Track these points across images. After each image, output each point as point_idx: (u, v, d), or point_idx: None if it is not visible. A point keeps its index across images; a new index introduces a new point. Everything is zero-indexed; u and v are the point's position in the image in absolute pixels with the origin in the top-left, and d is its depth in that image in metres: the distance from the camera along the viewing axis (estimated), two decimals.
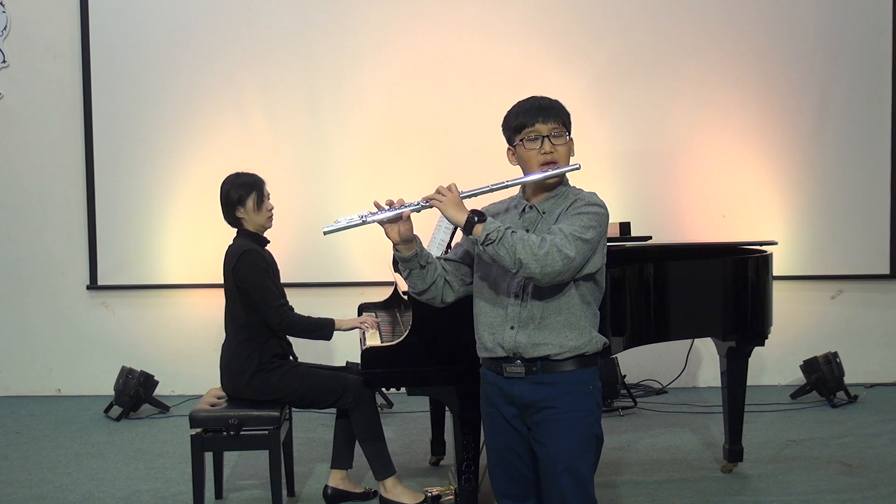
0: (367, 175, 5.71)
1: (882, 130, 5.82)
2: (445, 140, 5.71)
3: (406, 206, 2.47)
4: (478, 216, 2.38)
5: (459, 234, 2.64)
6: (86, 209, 5.80)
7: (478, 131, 5.61)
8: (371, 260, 5.51)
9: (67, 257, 5.85)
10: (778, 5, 5.78)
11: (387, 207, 2.48)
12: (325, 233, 2.53)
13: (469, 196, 2.46)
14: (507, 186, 2.50)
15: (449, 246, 3.82)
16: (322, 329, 3.81)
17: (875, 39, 5.80)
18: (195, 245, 5.71)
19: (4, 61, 5.78)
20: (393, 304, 4.27)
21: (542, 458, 2.50)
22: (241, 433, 3.60)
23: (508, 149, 2.58)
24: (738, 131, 5.80)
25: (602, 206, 2.49)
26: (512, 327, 2.49)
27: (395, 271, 4.35)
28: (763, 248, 4.22)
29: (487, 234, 2.35)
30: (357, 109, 5.75)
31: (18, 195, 5.86)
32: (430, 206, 2.47)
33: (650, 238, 4.03)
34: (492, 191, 2.50)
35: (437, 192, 2.45)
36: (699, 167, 5.81)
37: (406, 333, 3.29)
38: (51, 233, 5.87)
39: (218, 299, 3.98)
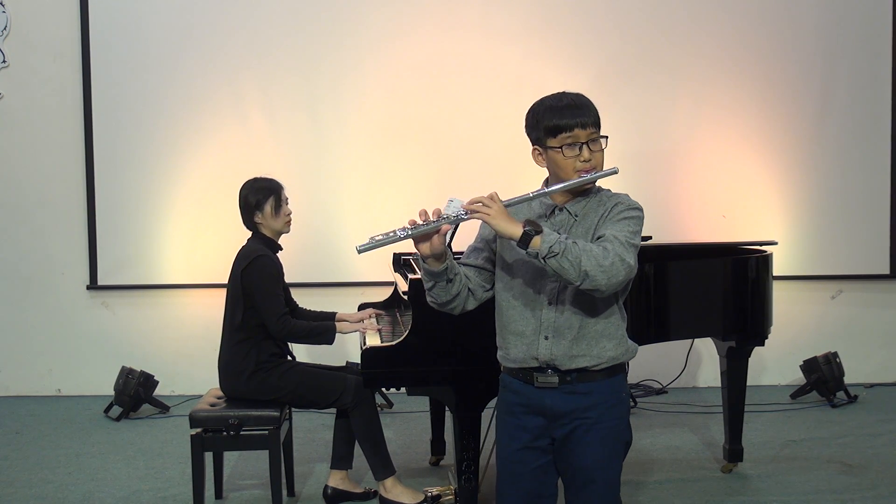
0: (367, 174, 5.71)
1: (882, 130, 5.82)
2: (445, 140, 5.70)
3: (443, 219, 2.27)
4: (534, 228, 2.21)
5: (466, 234, 2.56)
6: (86, 209, 5.80)
7: (478, 131, 5.64)
8: (371, 260, 5.46)
9: (67, 257, 5.85)
10: (778, 5, 5.78)
11: (422, 221, 2.29)
12: (359, 251, 2.31)
13: (507, 205, 2.28)
14: (546, 193, 2.36)
15: (449, 247, 3.79)
16: (323, 335, 3.82)
17: (875, 39, 5.79)
18: (195, 245, 5.72)
19: (4, 61, 5.78)
20: (393, 304, 4.27)
21: (571, 465, 2.40)
22: (241, 433, 3.60)
23: (534, 149, 2.41)
24: (738, 131, 5.79)
25: (641, 209, 2.40)
26: (546, 337, 2.36)
27: (395, 271, 4.36)
28: (763, 248, 4.22)
29: (550, 247, 2.18)
30: (357, 109, 5.74)
31: (18, 195, 5.85)
32: (470, 219, 2.28)
33: (650, 238, 4.02)
34: (531, 199, 2.34)
35: (480, 202, 2.25)
36: (699, 167, 5.81)
37: (406, 333, 3.29)
38: (51, 233, 5.86)
39: (218, 299, 3.99)
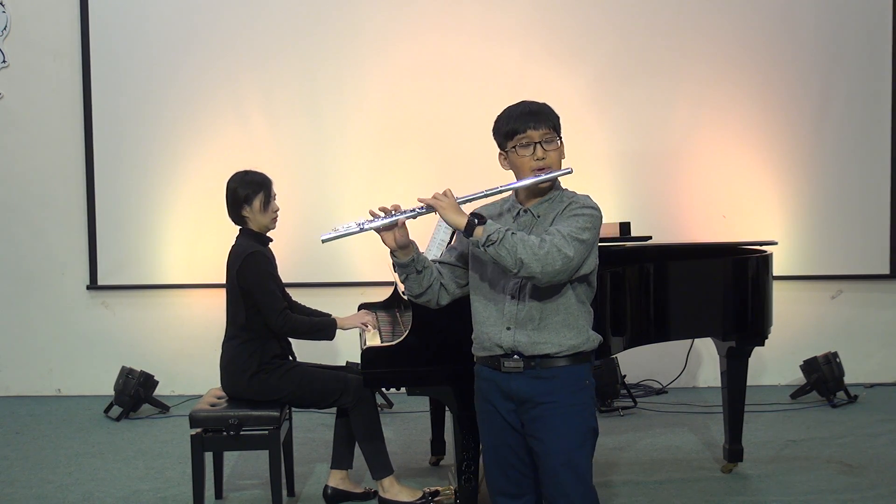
0: (367, 176, 5.71)
1: (882, 130, 5.82)
2: (445, 141, 5.70)
3: (401, 213, 2.51)
4: (478, 219, 2.42)
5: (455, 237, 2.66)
6: (86, 209, 5.80)
7: (478, 132, 5.53)
8: (371, 260, 5.51)
9: (67, 257, 5.85)
10: (778, 5, 5.78)
11: (382, 215, 2.52)
12: (323, 241, 2.56)
13: (464, 201, 2.50)
14: (501, 191, 2.54)
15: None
16: (324, 330, 3.82)
17: (875, 39, 5.79)
18: (195, 245, 5.72)
19: (4, 61, 5.78)
20: (393, 304, 4.27)
21: (539, 452, 2.53)
22: (241, 433, 3.60)
23: (500, 153, 2.61)
24: (738, 131, 5.80)
25: (596, 208, 2.52)
26: (508, 328, 2.53)
27: (395, 271, 4.36)
28: (763, 248, 4.22)
29: (489, 236, 2.38)
30: (357, 110, 5.74)
31: (19, 195, 5.85)
32: (426, 213, 2.51)
33: (650, 238, 4.03)
34: (486, 196, 2.53)
35: (434, 197, 2.49)
36: (699, 167, 5.81)
37: (406, 333, 3.29)
38: (51, 233, 5.86)
39: (218, 299, 3.98)
